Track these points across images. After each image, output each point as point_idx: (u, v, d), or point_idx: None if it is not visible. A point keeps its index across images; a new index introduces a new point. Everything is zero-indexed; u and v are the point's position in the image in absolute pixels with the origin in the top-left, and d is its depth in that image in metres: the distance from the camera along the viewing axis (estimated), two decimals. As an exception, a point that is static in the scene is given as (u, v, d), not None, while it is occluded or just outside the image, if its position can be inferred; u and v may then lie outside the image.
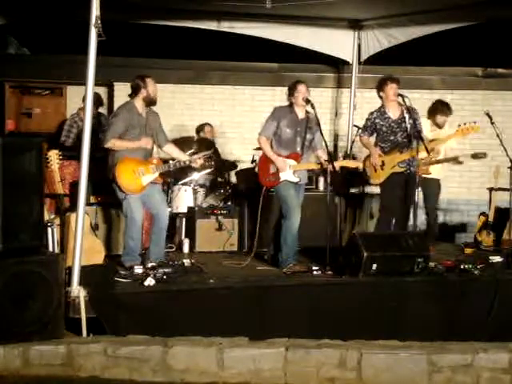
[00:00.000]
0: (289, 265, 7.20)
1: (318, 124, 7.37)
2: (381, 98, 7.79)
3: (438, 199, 8.87)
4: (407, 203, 7.63)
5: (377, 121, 7.75)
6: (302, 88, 7.31)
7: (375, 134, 7.84)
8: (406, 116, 7.61)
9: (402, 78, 7.89)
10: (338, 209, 8.57)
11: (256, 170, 7.80)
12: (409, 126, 7.62)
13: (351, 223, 9.10)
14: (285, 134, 7.35)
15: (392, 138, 7.73)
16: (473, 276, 7.10)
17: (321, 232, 7.47)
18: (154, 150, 7.39)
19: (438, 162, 8.51)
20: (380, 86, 7.76)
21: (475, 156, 8.71)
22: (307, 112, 7.43)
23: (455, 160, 8.75)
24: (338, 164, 7.47)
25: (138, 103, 7.07)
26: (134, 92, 7.08)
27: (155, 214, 7.18)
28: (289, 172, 7.31)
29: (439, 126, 8.68)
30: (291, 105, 7.41)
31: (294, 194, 7.34)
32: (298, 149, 7.39)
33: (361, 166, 7.87)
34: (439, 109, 8.72)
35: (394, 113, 7.75)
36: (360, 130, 8.21)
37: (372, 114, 7.83)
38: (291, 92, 7.35)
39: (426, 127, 8.47)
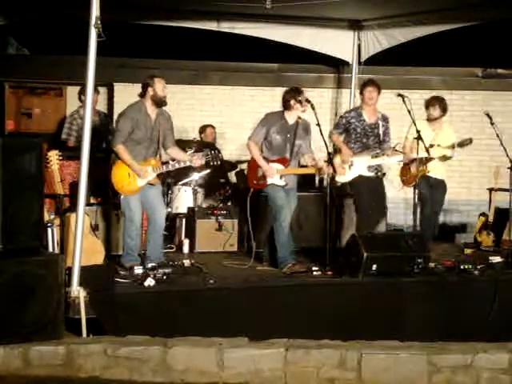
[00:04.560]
0: (288, 264, 7.19)
1: (308, 130, 7.45)
2: (361, 99, 7.90)
3: (443, 201, 8.62)
4: (379, 206, 7.76)
5: (352, 121, 7.83)
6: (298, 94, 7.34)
7: (344, 134, 7.88)
8: (380, 123, 7.77)
9: (402, 78, 7.92)
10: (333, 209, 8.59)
11: (246, 172, 7.84)
12: (381, 132, 7.77)
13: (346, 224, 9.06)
14: (275, 141, 7.41)
15: (364, 140, 7.81)
16: (473, 276, 7.10)
17: (320, 232, 7.46)
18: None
19: (430, 159, 8.09)
20: (360, 88, 7.90)
21: (461, 144, 8.33)
22: (299, 118, 7.45)
23: (445, 158, 8.41)
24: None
25: (147, 103, 7.02)
26: (143, 91, 7.07)
27: (152, 215, 7.15)
28: (276, 176, 7.34)
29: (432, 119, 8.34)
30: (283, 111, 7.45)
31: (283, 195, 7.36)
32: (287, 155, 7.44)
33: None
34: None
35: (369, 116, 7.84)
36: (333, 127, 8.22)
37: (349, 112, 7.95)
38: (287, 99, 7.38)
39: (428, 131, 8.22)
